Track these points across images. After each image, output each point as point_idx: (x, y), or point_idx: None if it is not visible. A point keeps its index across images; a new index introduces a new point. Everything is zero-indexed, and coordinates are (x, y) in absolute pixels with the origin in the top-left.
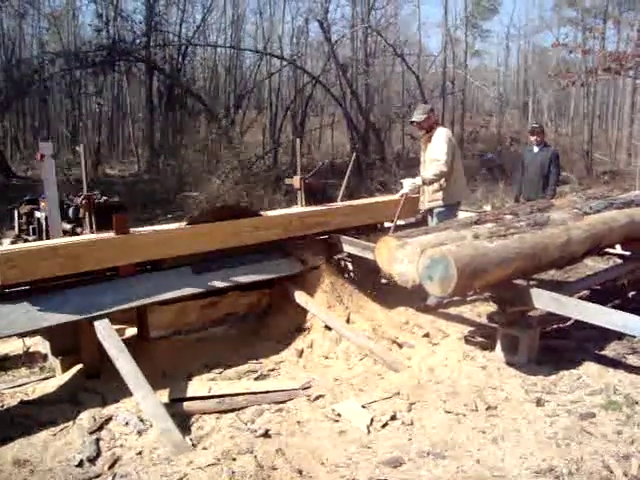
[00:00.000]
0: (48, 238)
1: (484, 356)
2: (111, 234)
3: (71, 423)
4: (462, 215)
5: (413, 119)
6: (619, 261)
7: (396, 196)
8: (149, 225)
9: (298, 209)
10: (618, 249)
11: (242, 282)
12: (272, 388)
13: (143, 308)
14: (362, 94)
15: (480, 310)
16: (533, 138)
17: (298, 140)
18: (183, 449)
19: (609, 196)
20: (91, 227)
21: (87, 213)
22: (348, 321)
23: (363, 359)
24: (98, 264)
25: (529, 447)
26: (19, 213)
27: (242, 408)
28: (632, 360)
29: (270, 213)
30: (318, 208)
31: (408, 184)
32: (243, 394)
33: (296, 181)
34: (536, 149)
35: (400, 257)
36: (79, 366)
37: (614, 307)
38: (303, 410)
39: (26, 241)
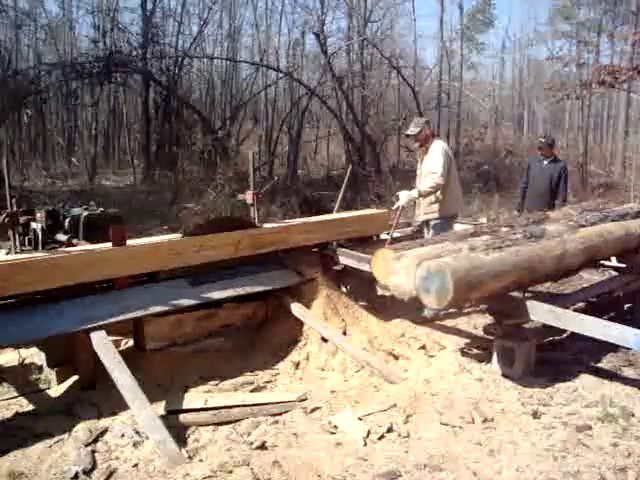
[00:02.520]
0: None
1: (480, 368)
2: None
3: (66, 435)
4: (458, 227)
5: (408, 132)
6: (614, 273)
7: (394, 207)
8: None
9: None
10: (613, 261)
11: (238, 294)
12: (268, 400)
13: (139, 320)
14: (358, 106)
15: (476, 322)
16: (540, 153)
17: (251, 153)
18: (179, 461)
19: (604, 208)
20: (15, 247)
21: (12, 232)
22: (344, 333)
23: (359, 371)
24: (22, 288)
25: (525, 459)
26: None
27: (238, 420)
28: (628, 372)
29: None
30: (273, 225)
31: (404, 196)
32: (239, 406)
33: (249, 196)
34: (545, 162)
35: (396, 269)
36: (75, 377)
37: (610, 319)
38: (299, 422)
39: (22, 252)
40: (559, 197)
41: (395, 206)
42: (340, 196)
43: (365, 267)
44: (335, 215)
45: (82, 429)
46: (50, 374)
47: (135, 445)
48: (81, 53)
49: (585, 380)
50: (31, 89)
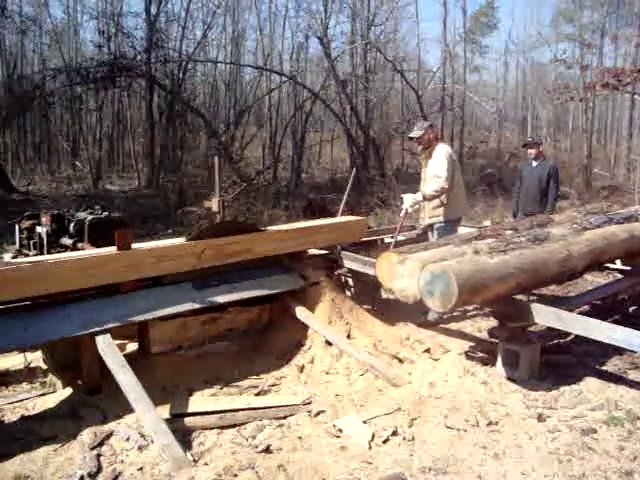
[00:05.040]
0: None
1: (485, 371)
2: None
3: (72, 439)
4: (462, 231)
5: (411, 135)
6: (619, 276)
7: (401, 214)
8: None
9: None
10: (618, 264)
11: (243, 297)
12: (273, 404)
13: (144, 323)
14: (362, 110)
15: (481, 325)
16: (528, 152)
17: (216, 158)
18: (184, 465)
19: (608, 211)
20: None
21: None
22: (349, 336)
23: (364, 375)
24: None
25: (531, 463)
26: (20, 228)
27: (243, 424)
28: (633, 375)
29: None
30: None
31: (408, 200)
32: (244, 409)
33: (214, 203)
34: (534, 163)
35: (401, 272)
36: (80, 381)
37: (614, 322)
38: (304, 426)
39: (27, 256)
40: (550, 196)
41: (402, 212)
42: (344, 199)
43: (370, 271)
44: (309, 223)
45: (87, 433)
46: (56, 377)
47: (140, 448)
48: (86, 58)
49: (590, 383)
50: (36, 94)
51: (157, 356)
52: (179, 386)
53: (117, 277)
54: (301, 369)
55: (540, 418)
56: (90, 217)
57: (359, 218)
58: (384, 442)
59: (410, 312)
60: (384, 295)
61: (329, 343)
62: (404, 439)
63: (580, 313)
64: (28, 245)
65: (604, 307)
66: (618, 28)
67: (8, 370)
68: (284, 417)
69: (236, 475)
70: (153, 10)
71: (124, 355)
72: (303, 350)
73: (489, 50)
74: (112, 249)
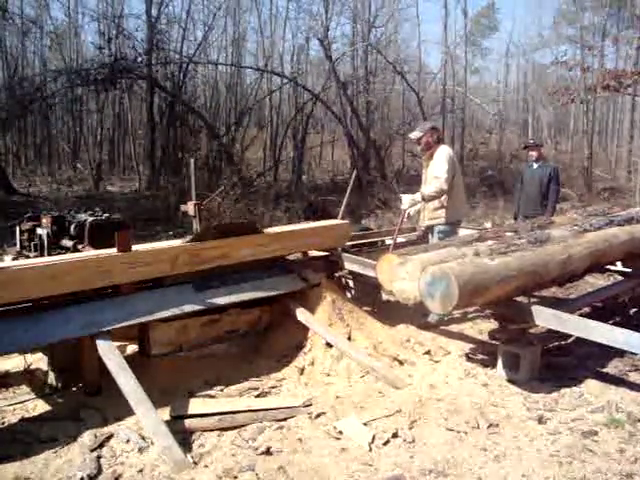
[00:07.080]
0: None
1: (485, 373)
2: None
3: (72, 440)
4: (462, 232)
5: (410, 136)
6: (620, 278)
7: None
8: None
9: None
10: (619, 266)
11: (243, 299)
12: (273, 405)
13: (145, 325)
14: (363, 112)
15: (481, 327)
16: (530, 154)
17: (192, 160)
18: (184, 467)
19: (609, 213)
20: None
21: None
22: (349, 338)
23: (364, 376)
24: None
25: (531, 465)
26: (21, 230)
27: (243, 425)
28: (634, 377)
29: (158, 244)
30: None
31: (407, 200)
32: (244, 412)
33: (190, 207)
34: (535, 165)
35: (401, 274)
36: (80, 383)
37: (615, 324)
38: (304, 427)
39: (27, 257)
40: (550, 198)
41: (402, 214)
42: (345, 201)
43: (370, 272)
44: (290, 227)
45: (87, 434)
46: (56, 379)
47: (140, 450)
48: (86, 60)
49: (591, 385)
50: (37, 96)
51: (157, 358)
52: (179, 388)
53: (85, 284)
54: (301, 371)
55: (541, 420)
56: (91, 219)
57: (342, 222)
58: (384, 444)
59: (410, 314)
60: (385, 297)
61: (329, 345)
62: (404, 441)
63: (581, 315)
64: (29, 247)
65: (605, 309)
66: (619, 30)
67: (8, 372)
68: (284, 419)
69: (236, 477)
70: (154, 12)
71: (124, 357)
72: (303, 352)
73: (490, 52)
74: (112, 251)
